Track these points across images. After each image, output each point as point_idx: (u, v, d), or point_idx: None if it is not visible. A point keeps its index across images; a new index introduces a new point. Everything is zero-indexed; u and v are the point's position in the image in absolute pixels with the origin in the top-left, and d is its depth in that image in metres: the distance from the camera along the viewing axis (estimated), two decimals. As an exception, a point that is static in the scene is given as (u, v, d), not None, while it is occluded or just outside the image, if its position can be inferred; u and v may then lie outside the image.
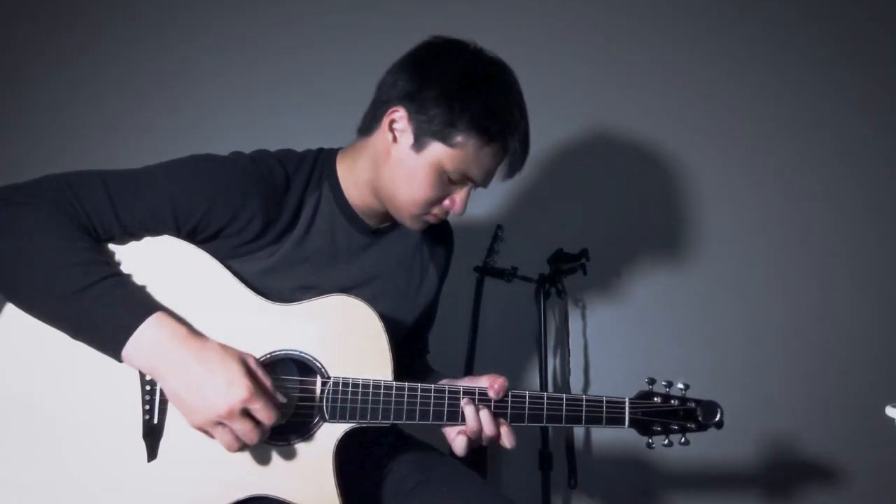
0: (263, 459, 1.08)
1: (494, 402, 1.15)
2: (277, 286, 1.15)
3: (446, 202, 1.19)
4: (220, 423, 1.00)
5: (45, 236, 0.99)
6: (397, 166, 1.17)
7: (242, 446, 1.02)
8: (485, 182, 1.20)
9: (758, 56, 2.23)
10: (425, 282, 1.36)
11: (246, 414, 1.00)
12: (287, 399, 1.07)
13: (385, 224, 1.30)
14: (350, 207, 1.24)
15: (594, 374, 2.16)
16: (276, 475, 1.08)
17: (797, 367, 2.18)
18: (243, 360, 1.02)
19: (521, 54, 2.16)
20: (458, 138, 1.13)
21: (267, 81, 2.18)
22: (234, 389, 0.98)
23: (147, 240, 1.08)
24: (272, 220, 1.16)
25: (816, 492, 2.17)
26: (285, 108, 2.15)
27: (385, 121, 1.17)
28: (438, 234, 1.40)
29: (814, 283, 2.20)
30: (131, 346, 0.98)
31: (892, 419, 1.24)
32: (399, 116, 1.16)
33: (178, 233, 1.10)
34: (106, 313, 0.98)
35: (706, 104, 2.22)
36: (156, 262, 1.08)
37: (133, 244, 1.08)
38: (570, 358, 2.08)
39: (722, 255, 2.20)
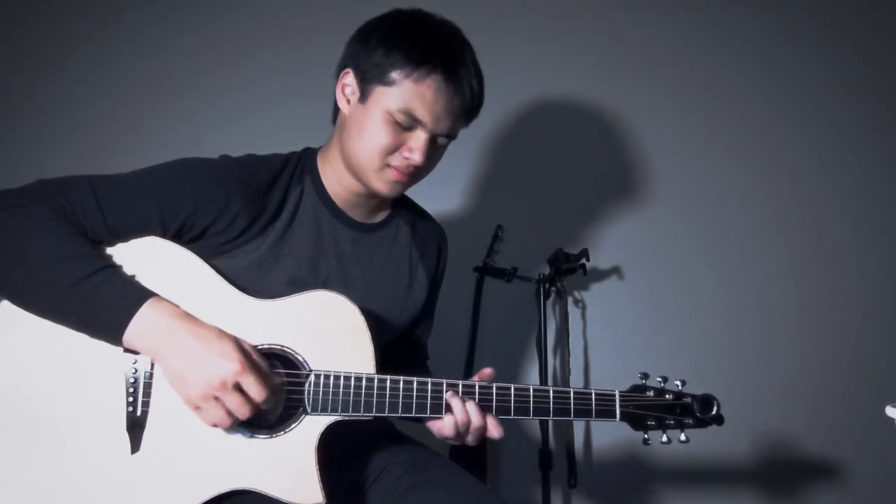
0: (246, 453, 1.08)
1: (480, 394, 1.15)
2: (265, 281, 1.17)
3: (404, 151, 1.17)
4: (212, 398, 1.02)
5: (41, 236, 1.03)
6: (351, 125, 1.19)
7: (233, 423, 1.04)
8: (436, 125, 1.16)
9: (762, 56, 2.23)
10: (414, 285, 1.35)
11: (238, 388, 1.03)
12: (279, 382, 1.08)
13: (372, 220, 1.31)
14: (331, 200, 1.26)
15: (594, 375, 2.16)
16: (258, 468, 1.08)
17: (798, 367, 2.17)
18: (238, 341, 1.06)
19: (519, 52, 2.19)
20: (394, 75, 1.14)
21: (264, 82, 2.18)
22: (226, 362, 1.02)
23: (133, 241, 1.11)
24: (256, 216, 1.18)
25: (817, 492, 2.16)
26: (281, 108, 2.14)
27: (339, 89, 1.21)
28: (428, 235, 1.40)
29: (814, 284, 2.20)
30: (132, 330, 1.02)
31: (892, 419, 1.23)
32: (349, 80, 1.20)
33: (165, 234, 1.13)
34: (105, 301, 1.02)
35: (706, 103, 2.22)
36: (141, 262, 1.10)
37: (119, 246, 1.11)
38: (570, 358, 2.08)
39: (724, 255, 2.20)
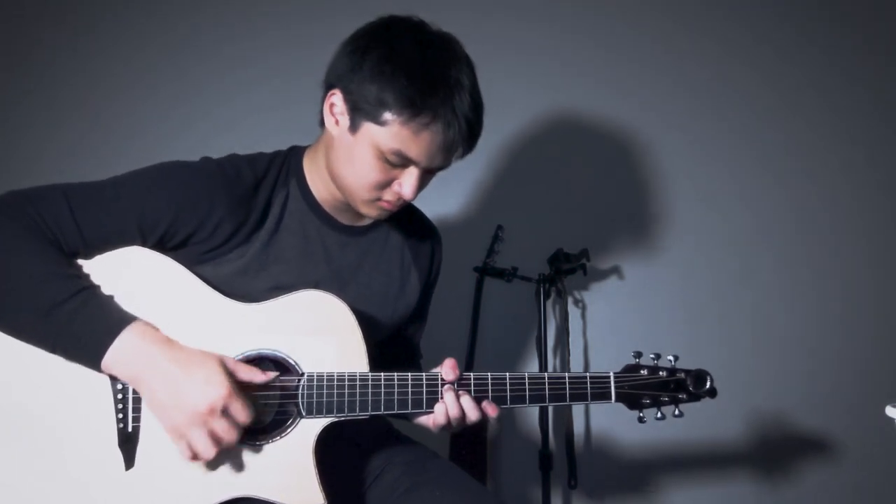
0: (244, 459, 1.07)
1: (475, 385, 1.14)
2: (250, 287, 1.14)
3: (395, 186, 1.13)
4: (199, 425, 0.99)
5: (13, 253, 0.99)
6: (340, 150, 1.14)
7: (218, 451, 1.01)
8: (430, 163, 1.11)
9: (761, 53, 2.23)
10: (406, 286, 1.33)
11: (225, 413, 1.00)
12: (270, 395, 1.07)
13: (361, 223, 1.27)
14: (318, 204, 1.22)
15: (594, 375, 2.16)
16: (257, 475, 1.07)
17: (798, 368, 2.17)
18: (222, 361, 1.03)
19: (518, 54, 2.18)
20: (387, 115, 1.07)
21: (257, 81, 2.17)
22: (212, 388, 0.99)
23: (112, 251, 1.08)
24: (241, 223, 1.14)
25: (817, 493, 2.16)
26: (273, 108, 2.14)
27: (326, 107, 1.15)
28: (422, 237, 1.37)
29: (815, 285, 2.19)
30: (111, 357, 0.99)
31: (892, 419, 1.23)
32: (336, 99, 1.13)
33: (144, 243, 1.09)
34: (84, 326, 0.99)
35: (705, 101, 2.22)
36: (123, 272, 1.07)
37: (98, 257, 1.07)
38: (570, 358, 2.08)
39: (724, 254, 2.20)
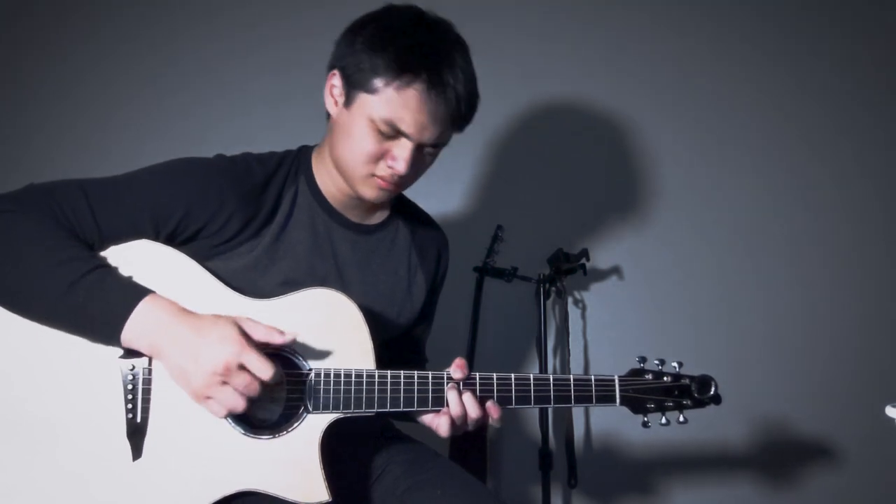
0: (249, 454, 1.08)
1: (480, 385, 1.15)
2: (260, 282, 1.16)
3: (388, 160, 1.14)
4: (220, 383, 1.01)
5: (32, 241, 1.02)
6: (338, 128, 1.17)
7: (247, 404, 1.02)
8: (420, 135, 1.13)
9: (764, 56, 2.24)
10: (413, 288, 1.34)
11: (242, 368, 1.01)
12: (277, 390, 1.07)
13: (369, 221, 1.29)
14: (326, 200, 1.24)
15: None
16: (262, 469, 1.08)
17: (798, 367, 2.18)
18: (235, 322, 1.04)
19: (520, 52, 2.19)
20: (377, 82, 1.10)
21: (262, 83, 2.18)
22: (226, 345, 1.00)
23: (124, 244, 1.09)
24: (251, 218, 1.16)
25: (817, 493, 2.17)
26: (279, 109, 2.14)
27: (327, 90, 1.19)
28: (428, 239, 1.38)
29: (815, 284, 2.20)
30: (130, 329, 1.01)
31: (892, 419, 1.24)
32: (336, 81, 1.17)
33: (157, 237, 1.11)
34: (100, 303, 1.01)
35: (706, 102, 2.22)
36: (134, 266, 1.08)
37: (111, 249, 1.09)
38: (570, 358, 2.08)
39: (724, 254, 2.20)
